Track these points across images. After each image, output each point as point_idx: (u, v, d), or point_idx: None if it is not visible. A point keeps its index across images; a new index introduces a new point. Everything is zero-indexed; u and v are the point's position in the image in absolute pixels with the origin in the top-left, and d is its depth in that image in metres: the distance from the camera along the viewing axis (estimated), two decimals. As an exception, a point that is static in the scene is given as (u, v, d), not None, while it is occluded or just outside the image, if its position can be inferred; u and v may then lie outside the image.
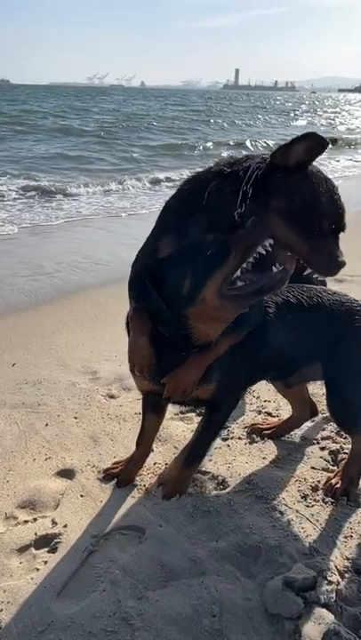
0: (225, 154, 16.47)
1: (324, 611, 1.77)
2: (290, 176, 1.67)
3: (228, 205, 1.72)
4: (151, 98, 70.09)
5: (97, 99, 59.24)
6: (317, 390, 3.09)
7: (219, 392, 2.07)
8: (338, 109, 57.25)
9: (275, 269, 1.72)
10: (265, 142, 20.68)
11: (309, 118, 39.11)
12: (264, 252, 1.69)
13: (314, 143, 1.64)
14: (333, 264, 1.75)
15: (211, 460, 2.57)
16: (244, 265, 1.68)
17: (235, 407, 2.28)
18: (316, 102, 78.14)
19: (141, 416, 2.43)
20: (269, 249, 1.69)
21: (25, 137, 18.80)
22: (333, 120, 39.20)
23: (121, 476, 2.43)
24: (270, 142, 20.75)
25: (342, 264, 1.75)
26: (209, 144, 19.42)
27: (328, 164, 16.53)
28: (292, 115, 44.05)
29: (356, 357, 2.23)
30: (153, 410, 2.39)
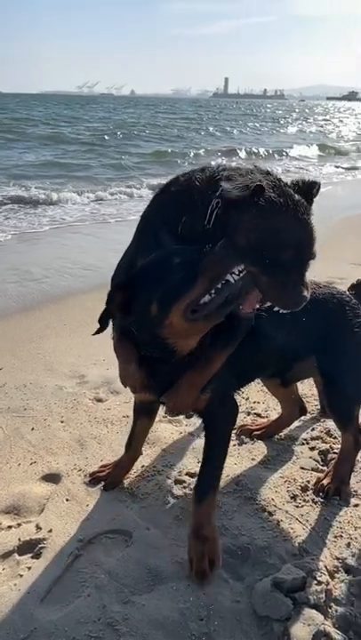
0: (214, 162, 16.59)
1: (313, 611, 1.74)
2: (245, 211, 1.57)
3: (197, 227, 1.65)
4: (142, 106, 70.41)
5: (87, 107, 59.44)
6: (306, 390, 3.07)
7: (215, 400, 1.96)
8: (328, 117, 57.75)
9: (234, 277, 1.61)
10: (256, 149, 20.81)
11: (300, 126, 39.35)
12: (232, 281, 1.60)
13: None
14: (293, 299, 1.63)
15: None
16: (213, 292, 1.61)
17: (236, 415, 2.11)
18: (307, 110, 78.71)
19: (132, 419, 2.39)
20: (238, 276, 1.61)
21: (15, 145, 18.78)
22: (323, 127, 39.52)
23: (108, 480, 2.39)
24: (261, 149, 20.88)
25: (303, 299, 1.63)
26: (200, 151, 19.50)
27: (313, 171, 16.69)
28: (283, 122, 44.38)
29: (351, 348, 2.24)
30: (145, 413, 2.35)
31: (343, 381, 2.26)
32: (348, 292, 2.34)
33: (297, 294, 1.62)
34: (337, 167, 17.57)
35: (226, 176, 1.64)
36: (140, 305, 1.72)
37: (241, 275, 1.60)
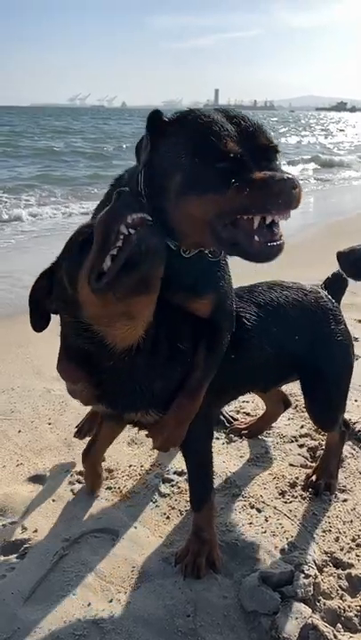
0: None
1: (301, 605, 1.71)
2: (167, 138, 1.46)
3: None
4: (135, 118, 70.77)
5: (80, 119, 59.71)
6: (291, 385, 3.06)
7: (194, 422, 1.75)
8: (322, 127, 57.67)
9: (130, 231, 1.33)
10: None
11: (299, 136, 38.85)
12: (127, 233, 1.34)
13: None
14: (275, 191, 1.30)
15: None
16: (113, 252, 1.34)
17: (212, 430, 2.03)
18: (302, 121, 78.74)
19: (98, 421, 2.22)
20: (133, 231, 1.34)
21: (4, 159, 18.70)
22: (319, 138, 39.23)
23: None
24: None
25: (286, 183, 1.29)
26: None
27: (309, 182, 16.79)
28: (280, 132, 44.33)
29: (335, 360, 2.13)
30: (112, 419, 2.03)
31: (327, 396, 2.16)
32: (324, 291, 2.22)
33: (277, 184, 1.29)
34: (324, 179, 17.40)
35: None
36: (56, 284, 1.57)
37: (138, 229, 1.33)
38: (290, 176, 1.30)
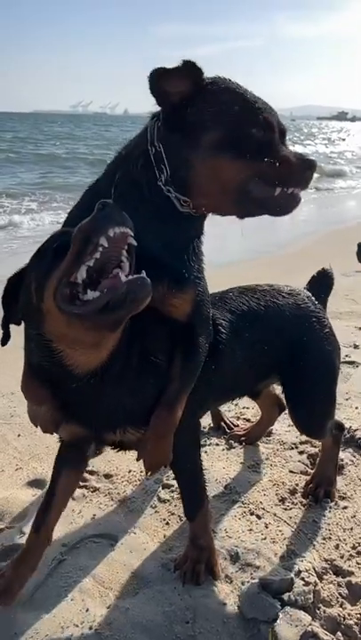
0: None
1: (301, 612, 1.70)
2: (194, 104, 1.49)
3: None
4: (137, 125, 70.83)
5: (82, 126, 59.92)
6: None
7: (177, 434, 1.64)
8: (325, 137, 57.58)
9: (123, 277, 1.25)
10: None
11: (301, 145, 38.61)
12: (123, 279, 1.25)
13: None
14: (300, 169, 1.49)
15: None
16: (90, 263, 1.25)
17: (199, 439, 1.95)
18: (305, 130, 78.68)
19: (52, 475, 1.87)
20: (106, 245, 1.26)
21: (7, 164, 18.78)
22: (320, 148, 39.05)
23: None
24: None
25: (313, 164, 1.49)
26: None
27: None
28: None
29: (317, 365, 2.08)
30: (73, 462, 1.86)
31: (311, 402, 2.11)
32: (307, 293, 2.17)
33: (307, 162, 1.45)
34: (325, 188, 17.41)
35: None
36: (24, 290, 1.43)
37: (129, 277, 1.26)
38: (313, 158, 1.47)
